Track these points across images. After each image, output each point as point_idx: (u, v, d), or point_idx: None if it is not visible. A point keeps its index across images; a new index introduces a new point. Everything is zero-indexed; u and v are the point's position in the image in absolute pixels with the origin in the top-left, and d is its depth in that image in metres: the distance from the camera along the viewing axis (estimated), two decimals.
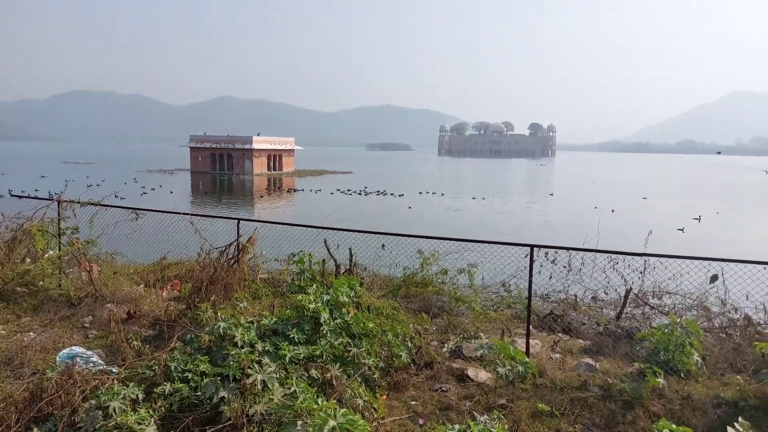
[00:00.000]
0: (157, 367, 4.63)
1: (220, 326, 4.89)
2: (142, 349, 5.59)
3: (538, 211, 41.43)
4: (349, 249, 8.88)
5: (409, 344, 6.16)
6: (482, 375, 6.09)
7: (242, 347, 4.69)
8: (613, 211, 37.61)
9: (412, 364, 6.10)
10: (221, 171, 79.93)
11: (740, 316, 7.74)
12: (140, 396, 4.25)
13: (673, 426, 3.49)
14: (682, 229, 30.62)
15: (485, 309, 8.56)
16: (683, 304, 8.35)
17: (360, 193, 52.41)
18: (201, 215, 8.59)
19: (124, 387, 4.28)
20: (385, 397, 5.40)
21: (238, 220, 8.13)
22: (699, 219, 34.97)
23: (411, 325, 6.91)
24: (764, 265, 6.60)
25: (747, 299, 7.83)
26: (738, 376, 6.17)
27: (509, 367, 5.44)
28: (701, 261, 6.86)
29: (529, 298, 7.02)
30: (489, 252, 8.52)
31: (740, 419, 3.64)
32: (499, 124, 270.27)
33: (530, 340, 6.96)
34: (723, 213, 39.34)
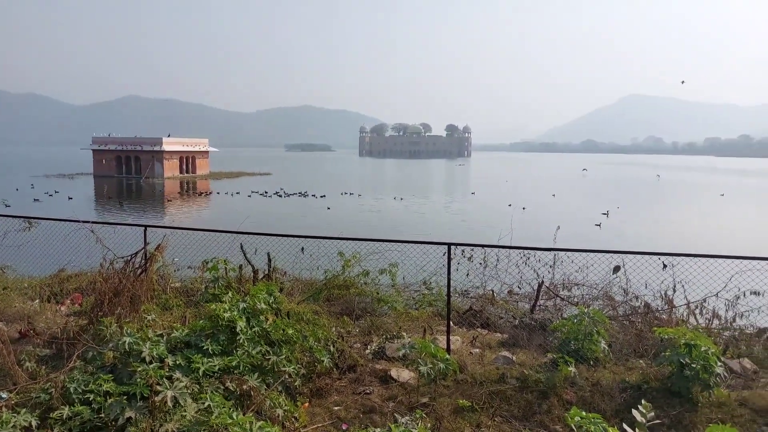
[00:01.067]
0: (53, 389, 4.25)
1: (125, 341, 4.56)
2: (37, 371, 5.12)
3: (458, 209, 42.54)
4: (267, 253, 8.65)
5: (332, 348, 6.08)
6: (405, 374, 6.12)
7: (150, 363, 4.40)
8: (524, 208, 39.34)
9: (334, 369, 6.02)
10: (128, 174, 75.68)
11: (641, 303, 8.30)
12: (34, 423, 3.87)
13: (584, 413, 3.65)
14: (599, 225, 32.56)
15: (407, 308, 8.65)
16: (590, 295, 8.85)
17: (279, 195, 51.44)
18: (103, 222, 8.01)
19: (15, 414, 3.88)
20: (307, 404, 5.28)
21: (146, 226, 7.67)
22: (607, 214, 37.34)
23: (333, 329, 6.83)
24: (658, 256, 7.13)
25: (646, 287, 8.44)
26: (641, 361, 6.61)
27: (431, 365, 5.49)
28: (604, 254, 7.31)
29: (449, 295, 7.15)
30: (409, 251, 8.61)
31: (643, 401, 3.87)
32: (417, 125, 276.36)
33: (451, 337, 7.09)
34: (623, 207, 42.27)
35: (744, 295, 8.00)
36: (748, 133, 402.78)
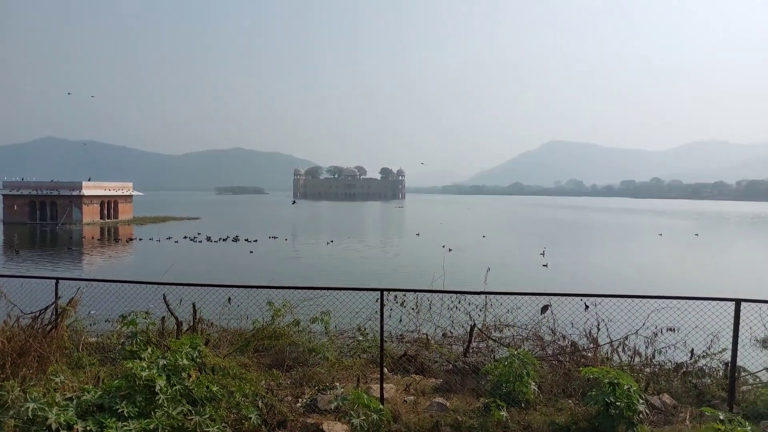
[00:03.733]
0: None
1: (28, 407, 4.18)
2: None
3: (394, 252, 42.67)
4: (193, 304, 8.30)
5: (260, 404, 5.83)
6: (337, 428, 5.94)
7: (57, 430, 4.05)
8: (450, 250, 40.03)
9: (263, 426, 5.77)
10: (43, 221, 71.27)
11: (568, 343, 8.58)
12: None
13: None
14: (546, 265, 33.69)
15: (341, 356, 8.49)
16: (520, 336, 9.05)
17: (210, 240, 49.83)
18: (9, 276, 7.44)
19: None
20: None
21: (57, 279, 7.17)
22: (543, 254, 38.82)
23: (263, 382, 6.58)
24: (581, 297, 7.43)
25: (572, 327, 8.74)
26: (570, 400, 6.76)
27: (364, 417, 5.38)
28: (533, 295, 7.54)
29: (381, 342, 7.09)
30: (343, 298, 8.53)
31: None
32: (352, 168, 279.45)
33: (385, 385, 7.00)
34: (552, 248, 43.96)
35: (661, 332, 8.45)
36: (658, 176, 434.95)
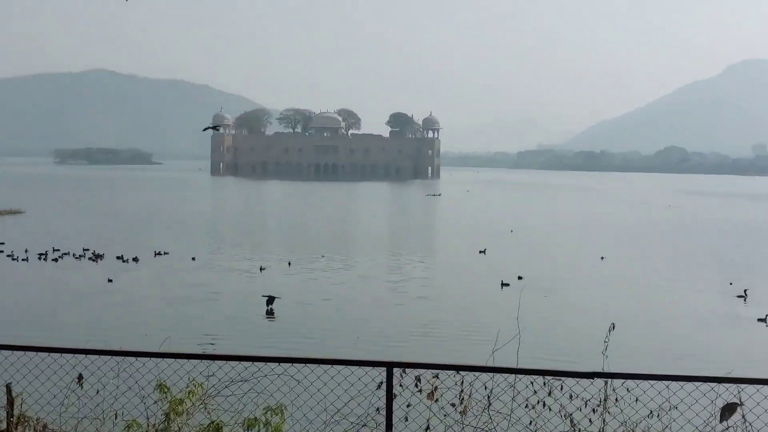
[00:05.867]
0: None
1: None
2: None
3: (428, 292, 42.90)
4: (7, 385, 8.39)
5: None
6: None
7: None
8: (505, 285, 40.98)
9: None
10: None
11: None
12: None
13: None
14: (744, 297, 35.24)
15: None
16: None
17: (40, 259, 50.07)
18: None
19: None
20: None
21: None
22: (745, 295, 39.76)
23: None
24: None
25: None
26: None
27: None
28: (700, 382, 7.53)
29: None
30: (313, 377, 8.66)
31: None
32: (332, 114, 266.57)
33: None
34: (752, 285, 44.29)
35: None
36: None
